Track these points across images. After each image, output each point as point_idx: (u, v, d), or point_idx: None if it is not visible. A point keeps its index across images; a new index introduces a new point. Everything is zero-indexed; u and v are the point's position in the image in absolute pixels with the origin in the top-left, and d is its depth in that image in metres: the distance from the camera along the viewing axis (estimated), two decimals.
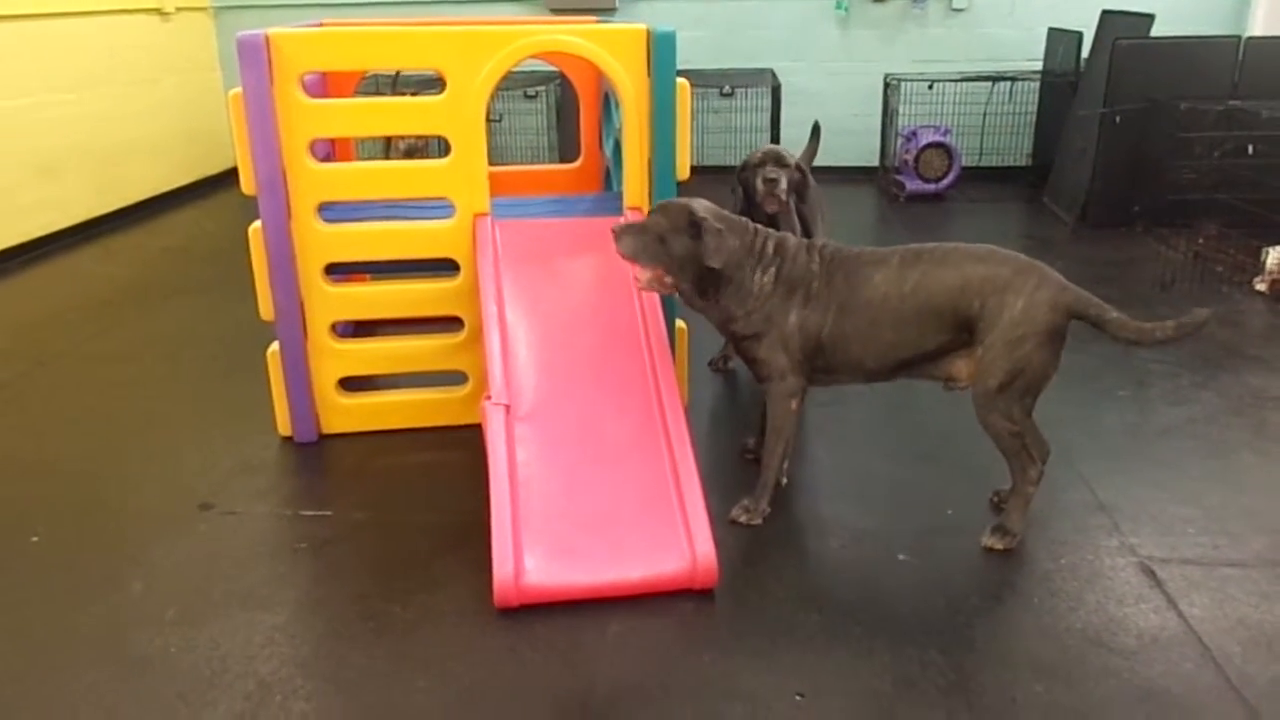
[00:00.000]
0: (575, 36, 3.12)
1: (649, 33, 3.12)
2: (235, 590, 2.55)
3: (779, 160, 3.60)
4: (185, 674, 2.24)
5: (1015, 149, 7.36)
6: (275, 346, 3.26)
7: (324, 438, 3.36)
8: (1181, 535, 2.79)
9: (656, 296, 3.04)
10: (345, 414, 3.37)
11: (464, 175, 3.17)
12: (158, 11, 6.89)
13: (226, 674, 2.24)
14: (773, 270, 2.74)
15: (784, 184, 3.55)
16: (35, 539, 2.80)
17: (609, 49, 3.13)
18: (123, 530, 2.85)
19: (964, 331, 2.63)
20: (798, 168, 3.67)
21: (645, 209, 3.27)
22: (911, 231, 6.04)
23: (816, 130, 4.56)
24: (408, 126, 3.42)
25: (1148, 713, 2.12)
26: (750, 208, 3.67)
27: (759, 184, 3.54)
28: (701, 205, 2.73)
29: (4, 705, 2.16)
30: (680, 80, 3.17)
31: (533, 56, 3.24)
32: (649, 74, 3.15)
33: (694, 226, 2.67)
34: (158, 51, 6.86)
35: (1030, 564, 2.63)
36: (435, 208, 3.28)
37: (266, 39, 2.95)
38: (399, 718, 2.11)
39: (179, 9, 7.04)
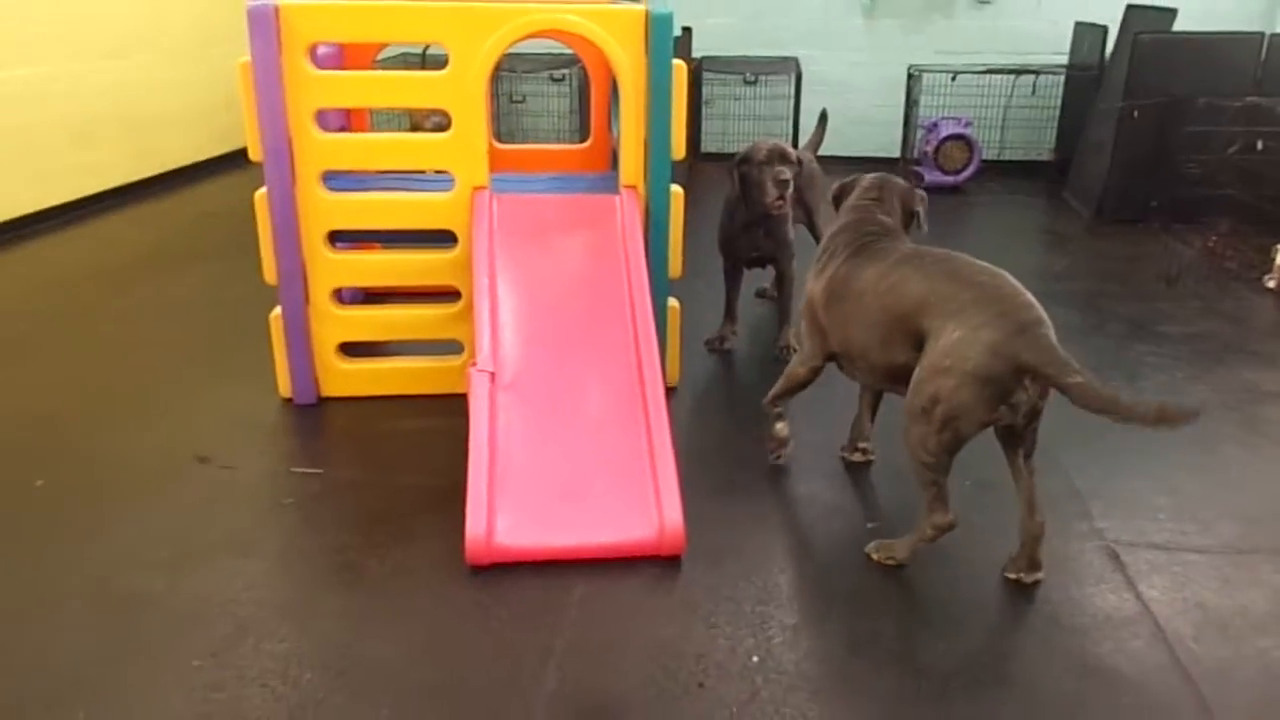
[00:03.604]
0: (575, 16, 3.18)
1: (647, 14, 3.17)
2: (223, 538, 2.67)
3: (785, 158, 3.64)
4: (168, 613, 2.36)
5: (1038, 143, 7.33)
6: (278, 310, 3.37)
7: (323, 400, 3.47)
8: (1151, 521, 2.82)
9: (645, 273, 3.12)
10: (344, 378, 3.48)
11: (464, 149, 3.25)
12: None
13: (207, 615, 2.35)
14: (826, 240, 2.85)
15: (792, 185, 3.61)
16: (40, 483, 2.93)
17: (608, 29, 3.19)
18: (122, 479, 2.98)
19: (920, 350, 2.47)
20: (798, 160, 3.72)
21: (640, 188, 3.35)
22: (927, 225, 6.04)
23: (824, 118, 4.61)
24: (410, 100, 3.51)
25: (1092, 687, 2.16)
26: (747, 199, 3.72)
27: (770, 185, 3.59)
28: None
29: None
30: (677, 61, 3.22)
31: (538, 35, 3.31)
32: (646, 55, 3.21)
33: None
34: (196, 23, 6.99)
35: (996, 544, 2.67)
36: (444, 181, 3.37)
37: (275, 9, 3.04)
38: (365, 663, 2.20)
39: None
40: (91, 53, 6.01)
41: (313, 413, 3.43)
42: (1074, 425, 3.34)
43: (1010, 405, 2.33)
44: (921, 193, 2.93)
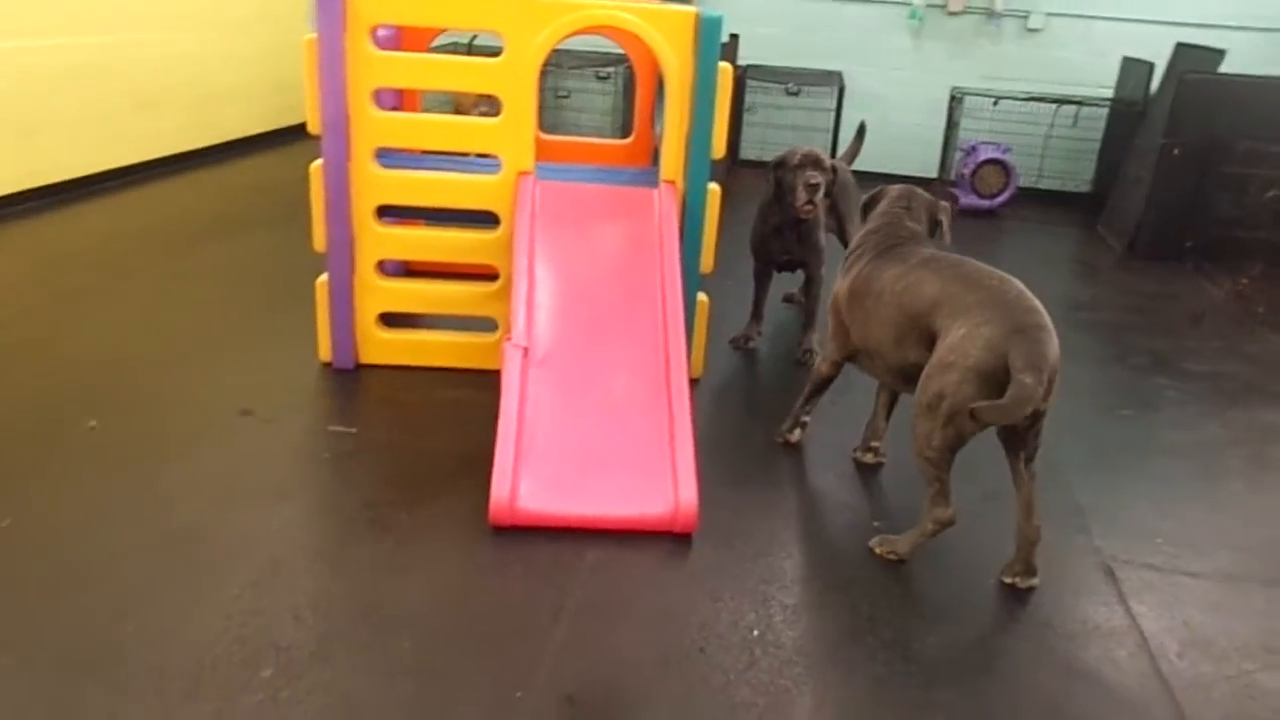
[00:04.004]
0: (629, 14, 3.32)
1: (697, 16, 3.30)
2: (262, 484, 2.83)
3: (818, 164, 3.76)
4: (211, 546, 2.52)
5: (1076, 175, 7.39)
6: (324, 277, 3.53)
7: (360, 366, 3.63)
8: (1149, 543, 2.91)
9: (678, 265, 3.26)
10: (382, 346, 3.63)
11: (512, 134, 3.40)
12: None
13: (247, 550, 2.51)
14: (855, 241, 3.02)
15: (823, 190, 3.73)
16: (93, 424, 3.10)
17: (659, 28, 3.33)
18: (171, 425, 3.15)
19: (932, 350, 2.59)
20: (832, 168, 3.84)
21: (679, 183, 3.48)
22: (958, 245, 6.02)
23: (862, 131, 4.72)
24: (466, 84, 3.66)
25: (1074, 687, 2.27)
26: (781, 202, 3.85)
27: (800, 189, 3.71)
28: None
29: (54, 559, 2.44)
30: (723, 64, 3.35)
31: (590, 31, 3.45)
32: (694, 55, 3.34)
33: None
34: (260, 1, 7.21)
35: (997, 551, 2.76)
36: (488, 164, 3.51)
37: None
38: (387, 604, 2.35)
39: None
40: (157, 24, 6.23)
41: (350, 377, 3.58)
42: (1087, 447, 3.47)
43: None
44: (945, 204, 3.05)
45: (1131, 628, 2.50)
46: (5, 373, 3.41)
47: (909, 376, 2.68)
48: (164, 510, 2.66)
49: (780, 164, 3.84)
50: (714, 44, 3.30)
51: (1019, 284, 2.59)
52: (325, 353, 3.63)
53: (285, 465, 2.96)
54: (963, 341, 2.45)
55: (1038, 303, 2.53)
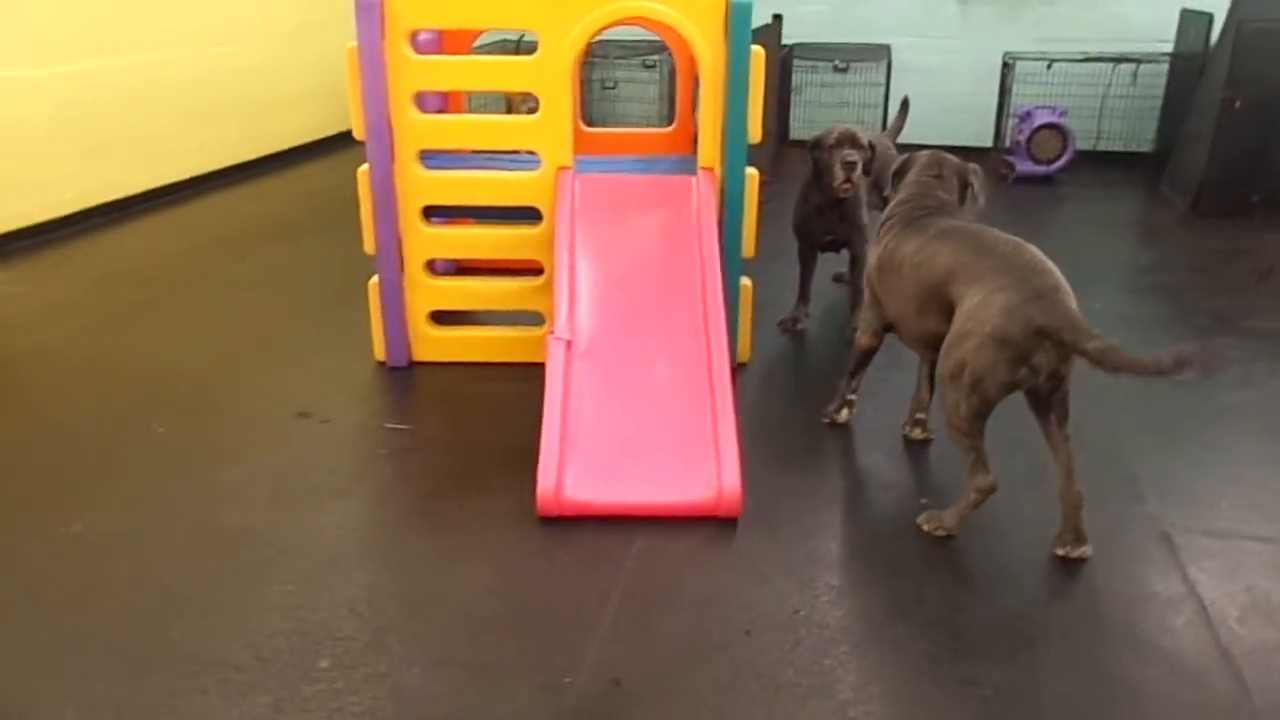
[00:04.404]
0: (658, 4, 3.33)
1: (728, 2, 3.30)
2: (318, 483, 2.92)
3: (854, 141, 3.73)
4: (268, 544, 2.62)
5: (1138, 134, 7.18)
6: (375, 279, 3.62)
7: (414, 364, 3.72)
8: (1210, 508, 2.84)
9: (716, 251, 3.27)
10: (434, 344, 3.72)
11: (550, 130, 3.44)
12: None
13: (302, 547, 2.60)
14: (885, 214, 3.03)
15: (860, 168, 3.70)
16: (160, 430, 3.24)
17: (689, 16, 3.33)
18: (231, 428, 3.27)
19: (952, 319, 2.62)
20: (869, 145, 3.80)
21: (717, 170, 3.48)
22: (1014, 214, 6.01)
23: (905, 105, 4.66)
24: (502, 83, 3.72)
25: (1128, 656, 2.23)
26: (820, 182, 3.83)
27: (837, 168, 3.69)
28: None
29: (120, 560, 2.57)
30: (755, 48, 3.34)
31: (622, 23, 3.48)
32: (727, 41, 3.34)
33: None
34: (309, 12, 7.37)
35: (1042, 520, 2.72)
36: (533, 161, 3.56)
37: None
38: (439, 595, 2.42)
39: None
40: (210, 39, 6.42)
41: (404, 375, 3.67)
42: (1145, 414, 3.40)
43: (1030, 368, 2.43)
44: (975, 166, 3.05)
45: (1189, 594, 2.46)
46: (75, 385, 3.57)
47: (935, 346, 2.70)
48: (224, 510, 2.78)
49: (817, 144, 3.82)
50: (745, 28, 3.29)
51: (1033, 249, 2.60)
52: (379, 352, 3.73)
53: (341, 464, 3.05)
54: (978, 309, 2.48)
55: (1052, 265, 2.54)
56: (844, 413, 3.29)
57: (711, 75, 3.39)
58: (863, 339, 3.16)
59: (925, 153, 3.08)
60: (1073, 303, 2.46)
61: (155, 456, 3.08)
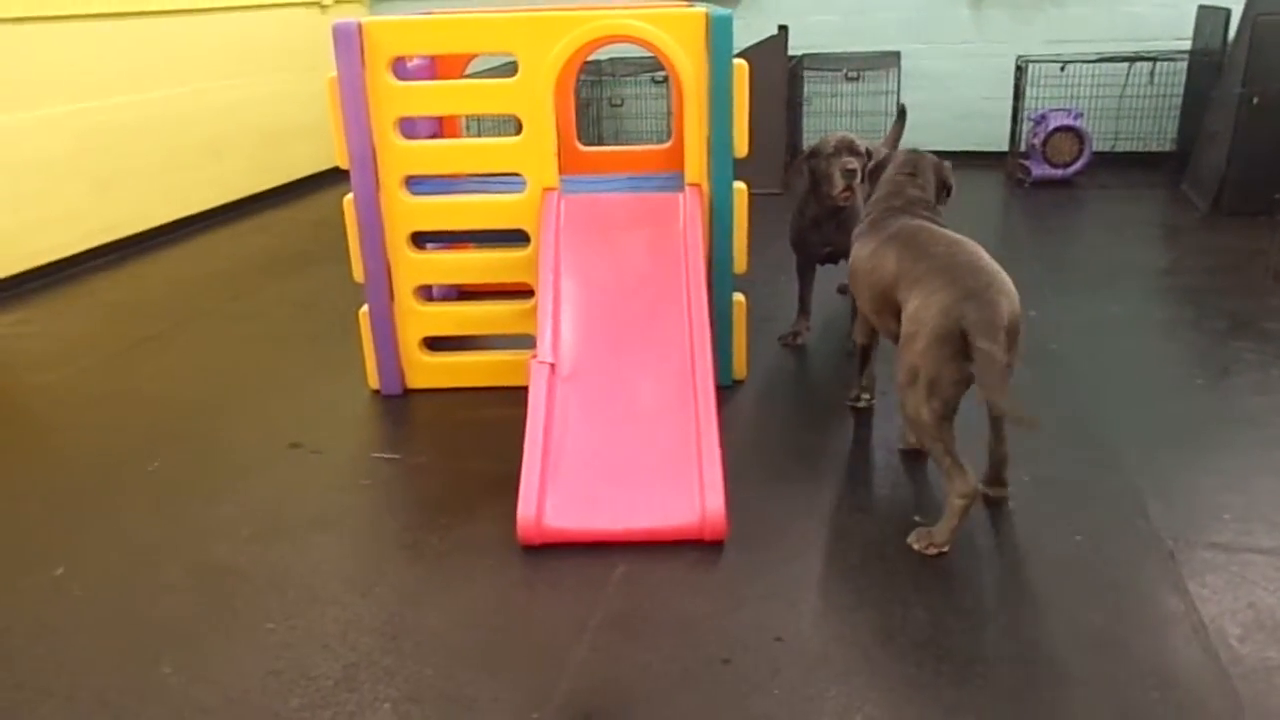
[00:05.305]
0: (637, 21, 3.31)
1: (707, 15, 3.27)
2: (305, 516, 2.91)
3: (853, 149, 3.68)
4: (251, 582, 2.60)
5: (1157, 134, 7.03)
6: (366, 307, 3.62)
7: (408, 392, 3.71)
8: (1214, 520, 2.73)
9: (703, 269, 3.23)
10: (427, 370, 3.70)
11: (534, 152, 3.42)
12: (317, 4, 7.50)
13: (284, 584, 2.58)
14: (864, 210, 3.09)
15: (859, 176, 3.65)
16: (154, 466, 3.25)
17: (669, 32, 3.30)
18: (225, 462, 3.27)
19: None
20: (867, 152, 3.74)
21: (705, 186, 3.44)
22: (1033, 219, 5.91)
23: (902, 113, 4.58)
24: (484, 106, 3.70)
25: (1122, 675, 2.14)
26: (817, 192, 3.77)
27: (837, 176, 3.64)
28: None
29: (100, 602, 2.56)
30: (738, 61, 3.31)
31: (601, 42, 3.45)
32: (708, 55, 3.30)
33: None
34: (316, 42, 7.46)
35: (1045, 538, 2.65)
36: (520, 183, 3.55)
37: (359, 27, 3.28)
38: (416, 629, 2.38)
39: (337, 1, 7.65)
40: (220, 72, 6.51)
41: (398, 403, 3.66)
42: (1152, 422, 3.29)
43: (972, 361, 2.45)
44: (948, 164, 3.05)
45: (1189, 611, 2.36)
46: (77, 425, 3.60)
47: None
48: (210, 547, 2.77)
49: (814, 153, 3.76)
50: (726, 43, 3.26)
51: (972, 246, 2.62)
52: (373, 381, 3.72)
53: (327, 496, 3.04)
54: (918, 311, 2.53)
55: (990, 263, 2.56)
56: (865, 398, 3.39)
57: (694, 91, 3.35)
58: (858, 339, 3.28)
59: (901, 150, 3.07)
60: (1008, 301, 2.47)
61: (145, 494, 3.09)
